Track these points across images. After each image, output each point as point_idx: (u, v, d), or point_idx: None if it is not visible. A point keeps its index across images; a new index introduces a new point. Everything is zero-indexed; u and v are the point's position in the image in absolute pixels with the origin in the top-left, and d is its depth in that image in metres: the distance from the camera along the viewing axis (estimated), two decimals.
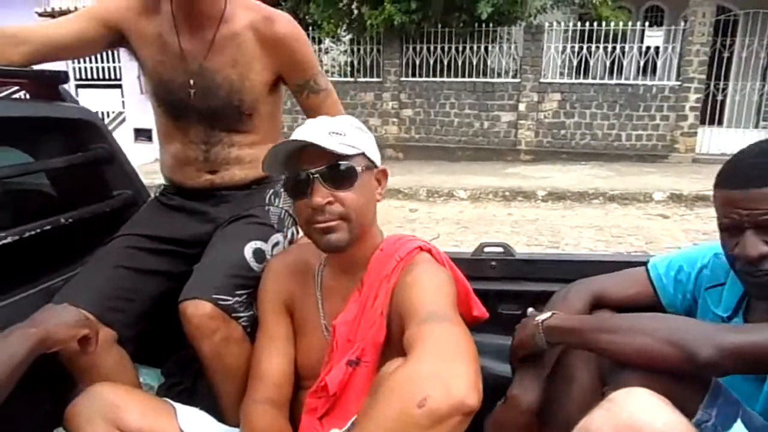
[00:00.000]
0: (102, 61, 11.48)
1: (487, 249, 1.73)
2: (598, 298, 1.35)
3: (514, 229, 6.32)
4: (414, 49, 10.63)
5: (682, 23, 9.90)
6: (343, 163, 1.19)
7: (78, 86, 11.42)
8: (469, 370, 0.89)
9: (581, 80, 10.22)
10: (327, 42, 11.26)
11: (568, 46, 10.11)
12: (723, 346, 1.01)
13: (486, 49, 10.36)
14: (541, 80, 10.27)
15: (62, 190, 1.84)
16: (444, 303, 1.10)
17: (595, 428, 0.96)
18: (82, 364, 1.37)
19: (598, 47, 9.94)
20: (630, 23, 9.91)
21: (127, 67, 10.63)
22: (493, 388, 1.16)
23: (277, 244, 1.59)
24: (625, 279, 1.40)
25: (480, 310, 1.39)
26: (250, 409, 1.28)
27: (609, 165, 9.76)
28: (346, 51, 11.51)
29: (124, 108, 11.38)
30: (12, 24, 1.59)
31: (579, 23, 10.03)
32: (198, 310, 1.37)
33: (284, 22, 1.61)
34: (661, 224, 6.55)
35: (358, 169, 1.21)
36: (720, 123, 10.31)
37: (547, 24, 10.15)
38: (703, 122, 10.00)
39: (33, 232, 1.50)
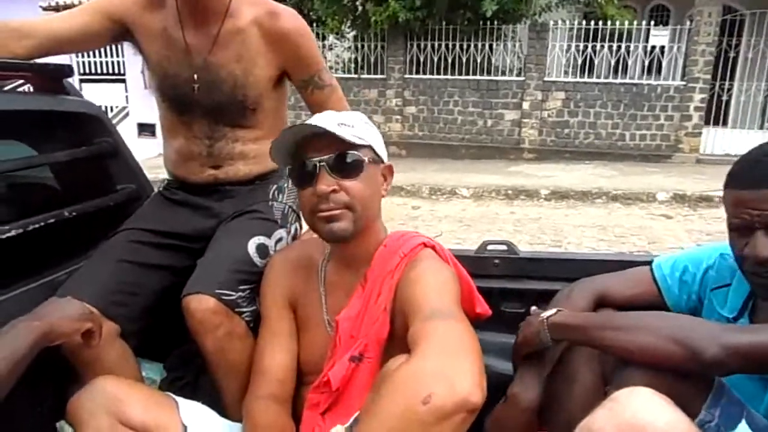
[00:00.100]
0: (106, 56, 11.48)
1: (490, 247, 1.73)
2: (601, 297, 1.35)
3: (517, 228, 6.31)
4: (418, 46, 10.62)
5: (688, 23, 9.85)
6: (351, 153, 1.20)
7: (82, 80, 11.43)
8: (473, 367, 0.89)
9: (586, 79, 10.19)
10: (331, 38, 11.25)
11: (573, 44, 10.09)
12: (729, 345, 1.00)
13: (490, 47, 10.34)
14: (546, 79, 10.25)
15: (66, 183, 1.84)
16: (448, 300, 1.09)
17: (598, 427, 0.96)
18: (85, 357, 1.37)
19: (603, 46, 9.91)
20: (635, 22, 9.86)
21: (131, 61, 10.63)
22: (496, 386, 1.15)
23: (280, 239, 1.59)
24: (629, 278, 1.39)
25: (483, 308, 1.39)
26: (252, 405, 1.28)
27: (612, 164, 9.74)
28: (350, 47, 11.50)
29: (127, 103, 11.39)
30: (16, 18, 1.59)
31: (584, 22, 9.99)
32: (201, 304, 1.37)
33: (289, 18, 1.60)
34: (664, 224, 6.53)
35: (365, 160, 1.21)
36: (725, 123, 10.28)
37: (551, 22, 10.12)
38: (707, 122, 9.97)
39: (37, 226, 1.50)
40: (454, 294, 1.15)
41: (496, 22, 9.99)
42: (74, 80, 1.81)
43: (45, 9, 10.97)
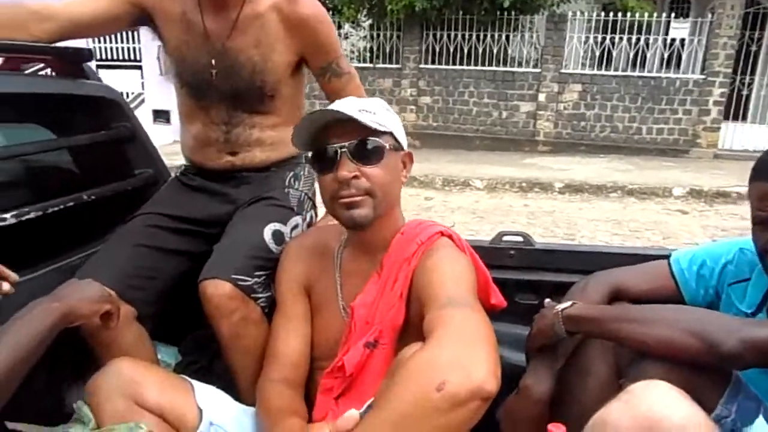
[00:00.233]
0: (122, 42, 11.50)
1: (506, 238, 1.72)
2: (617, 291, 1.34)
3: (530, 221, 6.27)
4: (434, 35, 10.54)
5: (709, 15, 9.69)
6: (372, 139, 1.20)
7: (98, 66, 11.42)
8: (488, 356, 0.88)
9: (603, 71, 10.07)
10: (347, 27, 11.21)
11: (591, 36, 9.96)
12: (747, 338, 1.00)
13: (507, 37, 10.25)
14: (562, 71, 10.14)
15: (85, 167, 1.86)
16: (464, 289, 1.09)
17: (613, 420, 0.96)
18: (103, 339, 1.39)
19: (621, 38, 9.78)
20: (655, 14, 9.72)
21: (147, 47, 10.65)
22: (509, 378, 1.15)
23: (296, 226, 1.60)
24: (646, 272, 1.38)
25: (498, 299, 1.39)
26: (265, 388, 1.29)
27: (628, 158, 9.64)
28: (365, 37, 11.45)
29: (143, 89, 11.41)
30: (37, 1, 1.60)
31: (603, 13, 9.86)
32: (218, 289, 1.38)
33: (308, 4, 1.60)
34: (679, 220, 6.46)
35: (386, 146, 1.21)
36: (744, 118, 10.11)
37: (570, 13, 10.00)
38: (726, 117, 9.82)
39: (56, 209, 1.51)
40: (471, 283, 1.15)
41: (513, 13, 9.90)
42: (91, 65, 1.82)
43: None
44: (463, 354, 0.88)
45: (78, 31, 1.62)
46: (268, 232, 1.51)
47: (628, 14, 9.62)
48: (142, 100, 11.31)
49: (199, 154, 1.70)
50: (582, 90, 10.15)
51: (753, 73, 9.87)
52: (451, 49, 10.49)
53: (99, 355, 1.41)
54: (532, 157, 9.97)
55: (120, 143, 1.82)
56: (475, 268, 1.26)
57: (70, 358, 1.38)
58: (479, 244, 1.62)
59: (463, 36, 10.35)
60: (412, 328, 1.17)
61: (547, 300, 1.43)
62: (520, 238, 1.72)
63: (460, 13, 10.11)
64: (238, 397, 1.43)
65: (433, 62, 10.77)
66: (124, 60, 11.63)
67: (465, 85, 10.65)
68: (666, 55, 9.72)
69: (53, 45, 1.59)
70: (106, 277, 1.40)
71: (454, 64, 10.60)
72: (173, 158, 2.00)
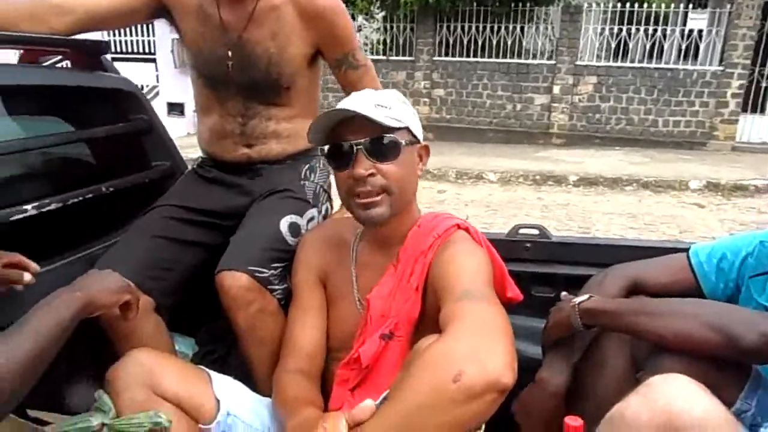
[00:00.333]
0: (136, 35, 11.55)
1: (522, 231, 1.71)
2: (635, 284, 1.33)
3: (544, 214, 6.24)
4: (448, 27, 10.48)
5: (728, 6, 9.53)
6: (388, 136, 1.19)
7: (112, 59, 11.46)
8: (505, 348, 0.88)
9: (619, 63, 9.96)
10: (360, 19, 11.15)
11: (607, 27, 9.85)
12: (767, 332, 0.99)
13: (522, 29, 10.16)
14: (577, 62, 10.04)
15: (103, 159, 1.87)
16: (480, 282, 1.09)
17: (631, 413, 0.95)
18: (122, 329, 1.41)
19: (638, 29, 9.67)
20: (672, 5, 9.58)
21: (161, 40, 10.69)
22: (524, 370, 1.15)
23: (312, 219, 1.60)
24: (665, 265, 1.37)
25: (514, 292, 1.38)
26: (282, 379, 1.29)
27: (644, 151, 9.54)
28: (379, 29, 11.40)
29: (157, 82, 11.47)
30: None
31: (619, 4, 9.73)
32: (235, 281, 1.39)
33: None
34: (696, 213, 6.39)
35: (402, 142, 1.21)
36: (762, 111, 9.94)
37: (585, 4, 9.89)
38: (744, 109, 9.68)
39: (75, 200, 1.53)
40: (487, 276, 1.15)
41: (528, 4, 9.81)
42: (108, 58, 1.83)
43: None
44: (479, 346, 0.88)
45: (96, 24, 1.63)
46: (284, 225, 1.51)
47: (645, 5, 9.48)
48: (157, 93, 11.37)
49: (216, 146, 1.71)
50: (597, 82, 10.04)
51: None
52: (465, 41, 10.42)
53: (117, 345, 1.43)
54: (546, 149, 9.90)
55: (137, 135, 1.84)
56: (492, 260, 1.26)
57: (90, 348, 1.39)
58: (495, 237, 1.62)
59: (477, 28, 10.27)
60: (428, 321, 1.18)
61: (564, 293, 1.43)
62: (536, 231, 1.71)
63: (474, 4, 10.04)
64: (254, 387, 1.44)
65: (446, 54, 10.70)
66: (138, 53, 11.68)
67: (479, 77, 10.59)
68: (683, 47, 9.59)
69: (71, 38, 1.60)
70: (125, 268, 1.41)
71: (468, 56, 10.53)
72: (187, 151, 2.01)
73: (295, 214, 1.56)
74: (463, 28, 10.37)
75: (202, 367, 1.38)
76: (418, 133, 1.28)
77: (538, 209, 6.48)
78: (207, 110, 1.71)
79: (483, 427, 1.25)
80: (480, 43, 10.35)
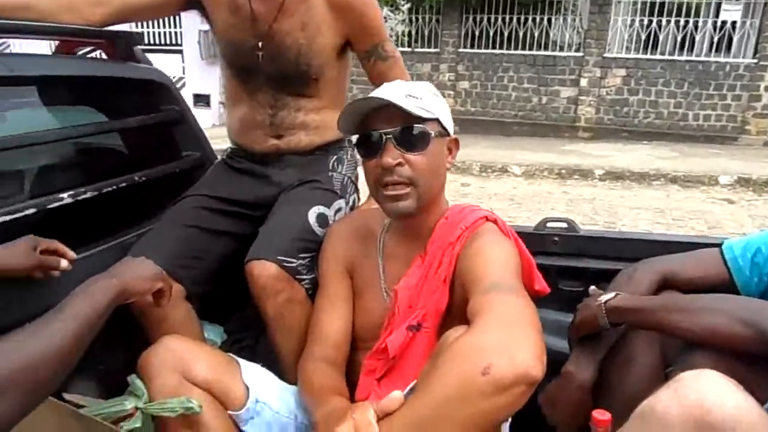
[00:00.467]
0: (163, 26, 11.65)
1: (549, 224, 1.70)
2: (666, 279, 1.31)
3: (569, 208, 6.18)
4: (474, 19, 10.38)
5: None
6: (417, 127, 1.19)
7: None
8: (534, 341, 0.88)
9: (648, 56, 9.76)
10: (385, 11, 11.10)
11: (637, 19, 9.66)
12: None
13: (549, 20, 10.02)
14: (606, 55, 9.86)
15: (135, 149, 1.90)
16: (509, 274, 1.09)
17: (662, 408, 0.94)
18: (154, 316, 1.44)
19: (669, 21, 9.46)
20: None
21: (188, 32, 10.77)
22: (551, 364, 1.15)
23: (339, 209, 1.61)
24: (697, 259, 1.35)
25: (541, 285, 1.37)
26: (307, 367, 1.30)
27: (673, 145, 9.36)
28: (404, 20, 11.35)
29: (184, 73, 11.58)
30: None
31: None
32: (264, 270, 1.41)
33: None
34: (726, 209, 6.27)
35: (431, 133, 1.21)
36: None
37: None
38: None
39: (109, 189, 1.56)
40: (515, 269, 1.14)
41: None
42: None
43: None
44: (508, 338, 0.87)
45: (130, 15, 1.66)
46: (312, 215, 1.53)
47: None
48: (183, 84, 11.48)
49: (245, 137, 1.73)
50: (626, 75, 9.86)
51: None
52: (491, 33, 10.32)
53: (148, 331, 1.46)
54: (572, 143, 9.77)
55: (169, 126, 1.86)
56: (520, 254, 1.25)
57: (124, 334, 1.42)
58: (523, 229, 1.61)
59: (503, 19, 10.16)
60: (456, 313, 1.18)
61: (592, 287, 1.42)
62: (564, 225, 1.70)
63: None
64: (280, 375, 1.46)
65: (472, 46, 10.61)
66: (165, 44, 11.79)
67: (504, 69, 10.47)
68: (716, 39, 9.36)
69: (106, 29, 1.63)
70: (157, 256, 1.44)
71: (493, 48, 10.42)
72: (214, 142, 2.03)
73: (322, 204, 1.57)
74: (489, 19, 10.26)
75: (231, 354, 1.40)
76: (449, 125, 1.28)
77: (564, 203, 6.42)
78: (237, 101, 1.72)
79: (509, 419, 1.25)
80: (506, 34, 10.23)
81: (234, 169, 1.75)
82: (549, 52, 10.22)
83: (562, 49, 10.26)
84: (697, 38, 9.49)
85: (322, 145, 1.71)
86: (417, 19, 10.81)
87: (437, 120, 1.23)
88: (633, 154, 8.69)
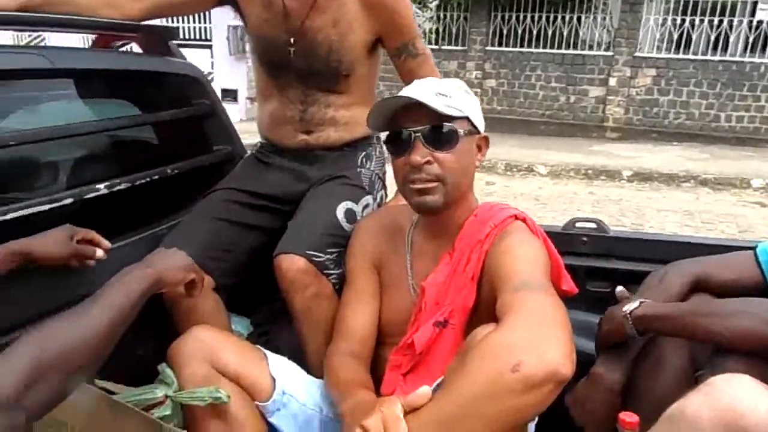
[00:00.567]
0: (192, 22, 11.78)
1: (578, 224, 1.69)
2: (698, 281, 1.29)
3: (596, 209, 6.10)
4: (503, 17, 10.30)
5: None
6: (447, 125, 1.20)
7: None
8: (564, 339, 0.88)
9: (680, 55, 9.58)
10: (413, 8, 11.06)
11: (669, 18, 9.48)
12: None
13: (579, 19, 9.90)
14: (636, 54, 9.71)
15: (167, 142, 1.93)
16: (538, 273, 1.08)
17: (692, 411, 0.93)
18: (184, 307, 1.46)
19: (702, 20, 9.27)
20: None
21: (218, 27, 10.88)
22: (579, 365, 1.14)
23: (367, 205, 1.62)
24: (730, 262, 1.32)
25: (569, 285, 1.36)
26: (333, 361, 1.32)
27: (703, 147, 9.18)
28: (432, 18, 11.30)
29: (212, 68, 11.70)
30: None
31: None
32: (293, 264, 1.42)
33: None
34: (758, 212, 6.13)
35: (461, 132, 1.21)
36: None
37: None
38: None
39: (142, 181, 1.59)
40: (544, 267, 1.14)
41: None
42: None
43: None
44: (538, 336, 0.87)
45: (166, 10, 1.69)
46: (340, 211, 1.54)
47: None
48: (212, 79, 11.59)
49: (275, 132, 1.74)
50: (656, 75, 9.69)
51: None
52: (519, 31, 10.23)
53: (178, 321, 1.49)
54: (599, 143, 9.64)
55: (200, 120, 1.89)
56: (548, 253, 1.24)
57: (154, 324, 1.45)
58: (551, 229, 1.60)
59: (532, 17, 10.07)
60: (483, 310, 1.18)
61: (619, 288, 1.40)
62: (593, 225, 1.68)
63: None
64: (306, 368, 1.47)
65: (500, 44, 10.53)
66: (194, 39, 11.92)
67: (532, 68, 10.38)
68: (751, 39, 9.14)
69: (144, 23, 1.66)
70: (189, 248, 1.44)
71: (521, 46, 10.34)
72: (242, 136, 2.05)
73: (351, 200, 1.58)
74: (518, 17, 10.17)
75: (259, 346, 1.42)
76: (479, 123, 1.28)
77: (590, 204, 6.34)
78: (267, 96, 1.74)
79: (536, 419, 1.25)
80: (535, 33, 10.14)
81: (263, 164, 1.77)
82: (578, 51, 10.10)
83: (591, 48, 10.13)
84: (732, 38, 9.29)
85: (351, 141, 1.72)
86: (445, 16, 10.77)
87: (467, 118, 1.24)
88: (662, 156, 8.54)
